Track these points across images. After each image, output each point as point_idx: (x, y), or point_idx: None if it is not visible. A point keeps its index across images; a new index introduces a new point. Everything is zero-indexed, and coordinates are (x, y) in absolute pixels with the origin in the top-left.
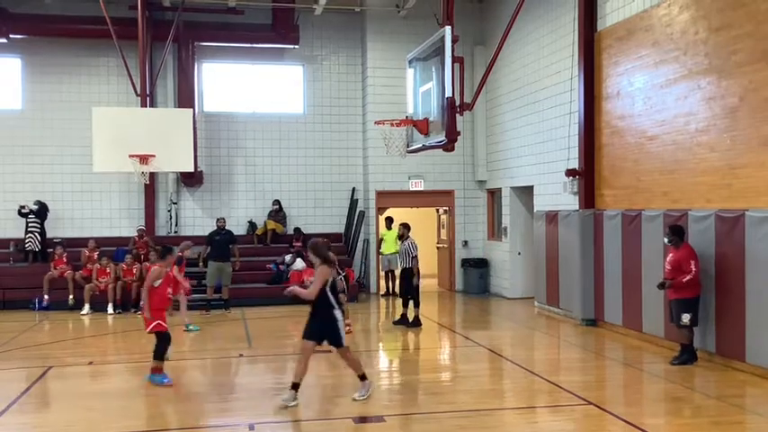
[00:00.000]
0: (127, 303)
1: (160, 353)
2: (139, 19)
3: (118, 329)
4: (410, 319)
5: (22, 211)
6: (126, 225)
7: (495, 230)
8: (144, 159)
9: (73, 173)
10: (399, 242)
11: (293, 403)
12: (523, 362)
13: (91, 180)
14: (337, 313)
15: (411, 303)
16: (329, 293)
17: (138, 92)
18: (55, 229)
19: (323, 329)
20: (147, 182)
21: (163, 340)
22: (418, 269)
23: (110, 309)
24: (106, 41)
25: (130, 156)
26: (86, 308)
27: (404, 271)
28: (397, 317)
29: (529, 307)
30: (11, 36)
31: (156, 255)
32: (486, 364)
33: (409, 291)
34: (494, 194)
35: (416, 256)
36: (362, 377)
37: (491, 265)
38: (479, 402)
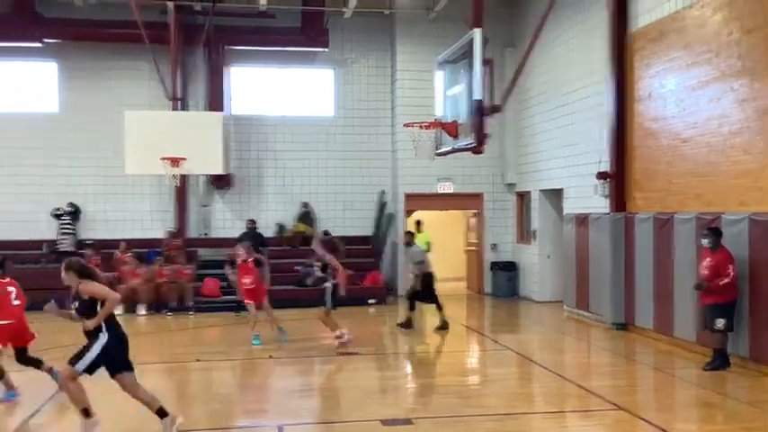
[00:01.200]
0: (158, 305)
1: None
2: (171, 23)
3: (147, 331)
4: (439, 323)
5: (57, 212)
6: (158, 227)
7: (525, 233)
8: (175, 162)
9: (106, 175)
10: (406, 248)
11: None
12: (553, 366)
13: (124, 183)
14: (102, 337)
15: (434, 307)
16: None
17: (170, 95)
18: (87, 231)
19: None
20: (178, 184)
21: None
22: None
23: (140, 310)
24: (138, 46)
25: (162, 158)
26: (119, 308)
27: (424, 277)
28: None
29: (558, 311)
30: (44, 40)
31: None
32: (514, 368)
33: (428, 296)
34: (523, 197)
35: (422, 260)
36: (161, 410)
37: (520, 268)
38: (508, 406)
